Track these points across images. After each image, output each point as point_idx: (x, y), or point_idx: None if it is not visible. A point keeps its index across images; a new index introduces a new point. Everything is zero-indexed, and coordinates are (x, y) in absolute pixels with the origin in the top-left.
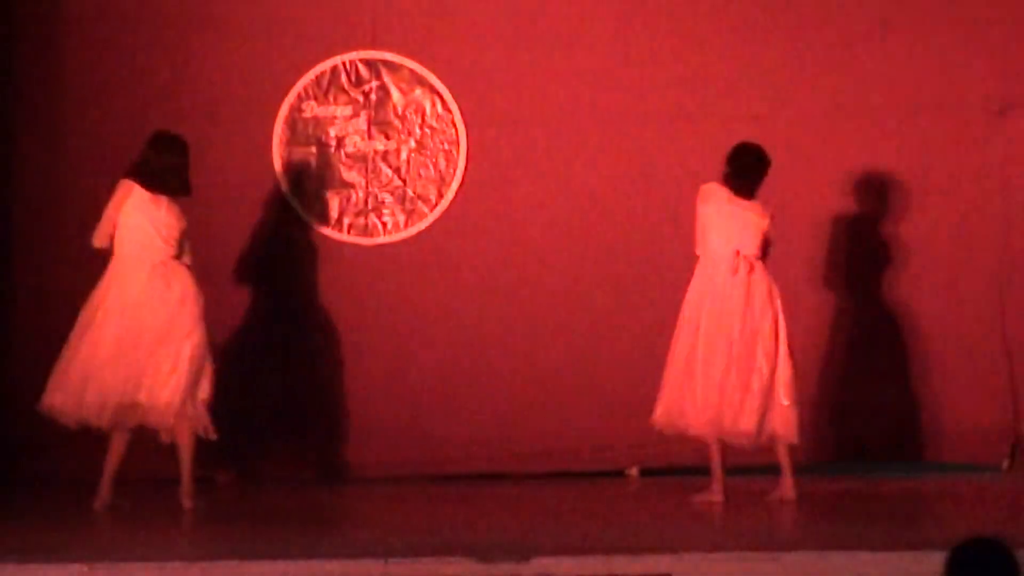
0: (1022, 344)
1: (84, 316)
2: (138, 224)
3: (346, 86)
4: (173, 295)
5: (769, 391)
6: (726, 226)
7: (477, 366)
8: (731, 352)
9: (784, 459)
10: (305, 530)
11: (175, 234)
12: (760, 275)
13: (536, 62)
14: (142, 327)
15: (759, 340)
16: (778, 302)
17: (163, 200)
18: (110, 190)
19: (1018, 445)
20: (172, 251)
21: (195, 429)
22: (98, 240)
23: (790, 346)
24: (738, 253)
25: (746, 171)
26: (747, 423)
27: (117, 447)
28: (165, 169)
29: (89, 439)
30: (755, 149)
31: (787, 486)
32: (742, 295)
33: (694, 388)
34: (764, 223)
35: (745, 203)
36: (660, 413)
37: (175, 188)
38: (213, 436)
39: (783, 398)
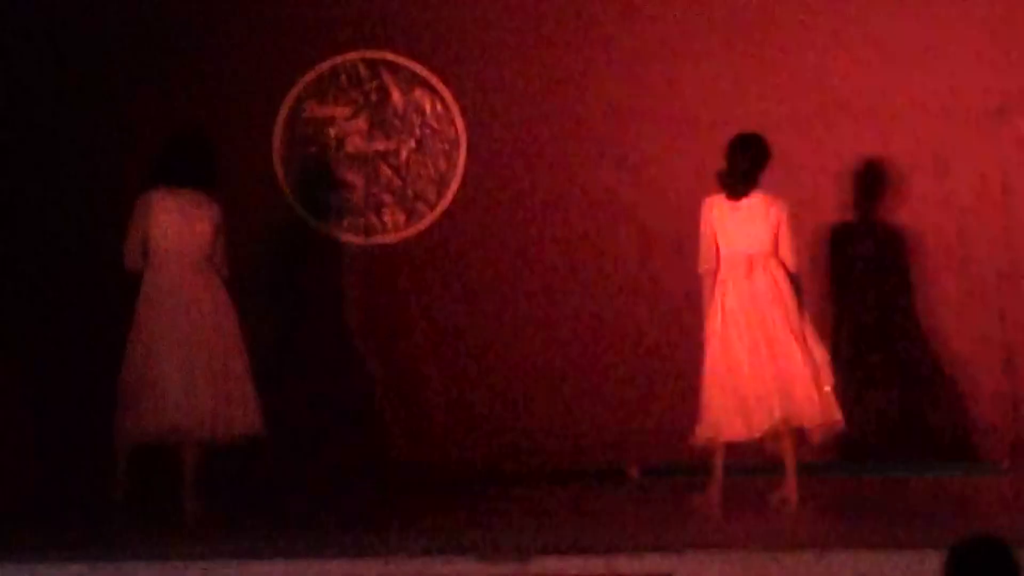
0: (1022, 344)
1: (138, 333)
2: (167, 229)
3: (346, 86)
4: (208, 302)
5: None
6: (733, 231)
7: (476, 366)
8: (771, 346)
9: (791, 460)
10: (305, 530)
11: (207, 229)
12: (775, 272)
13: (536, 62)
14: (191, 337)
15: (786, 333)
16: (791, 298)
17: (185, 195)
18: (106, 193)
19: (1018, 445)
20: (204, 251)
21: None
22: (130, 262)
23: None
24: (750, 258)
25: (743, 164)
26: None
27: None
28: (192, 162)
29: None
30: (752, 140)
31: (791, 487)
32: (763, 292)
33: (746, 390)
34: (772, 215)
35: (748, 199)
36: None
37: (199, 179)
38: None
39: (824, 384)
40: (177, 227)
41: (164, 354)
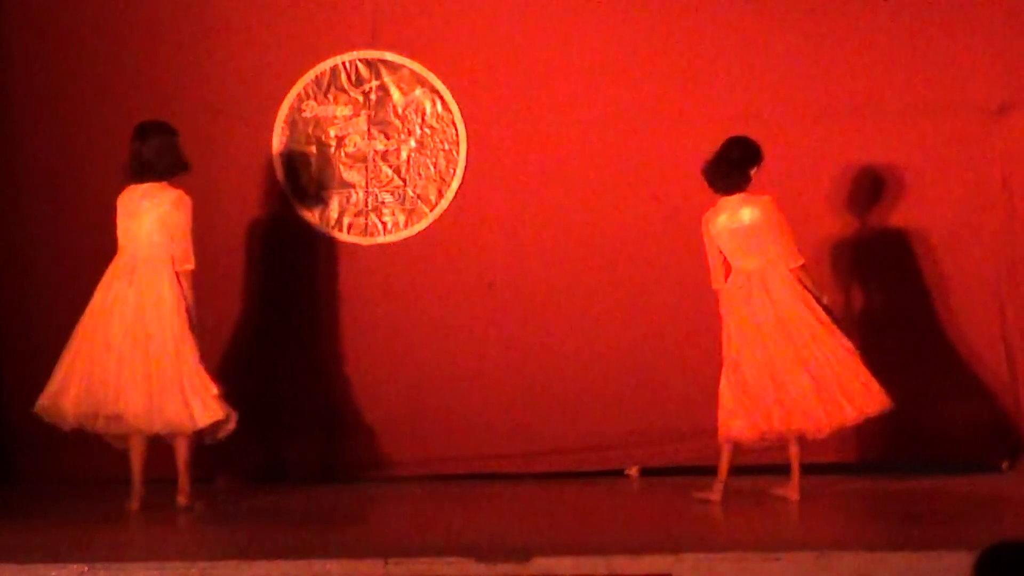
0: (1022, 344)
1: (86, 318)
2: (130, 225)
3: (346, 86)
4: (162, 299)
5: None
6: (738, 244)
7: (477, 366)
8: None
9: (794, 459)
10: (305, 530)
11: (169, 224)
12: (781, 281)
13: (536, 62)
14: (140, 331)
15: (804, 337)
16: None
17: (155, 190)
18: (109, 192)
19: (1018, 445)
20: (167, 248)
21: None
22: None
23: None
24: (759, 272)
25: (726, 166)
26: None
27: (138, 450)
28: (154, 153)
29: (89, 440)
30: (738, 143)
31: (793, 486)
32: (778, 302)
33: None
34: (757, 215)
35: (737, 203)
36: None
37: (167, 169)
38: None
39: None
40: (136, 228)
41: (105, 348)
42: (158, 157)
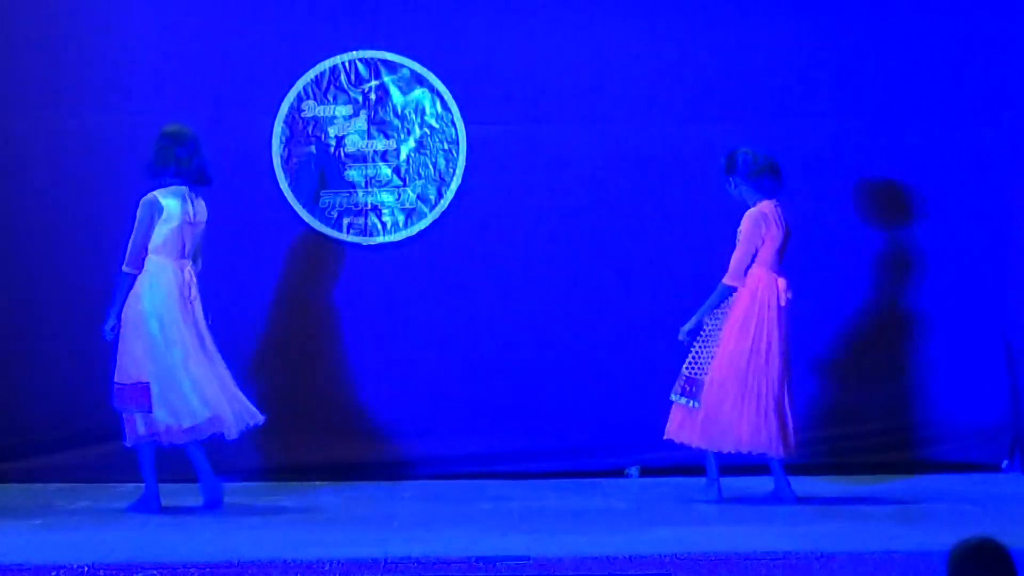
0: (1022, 344)
1: (171, 330)
2: (171, 231)
3: (345, 86)
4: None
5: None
6: (776, 250)
7: (477, 366)
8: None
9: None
10: (305, 530)
11: (200, 229)
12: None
13: (536, 61)
14: (195, 334)
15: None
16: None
17: (185, 193)
18: (107, 190)
19: (1018, 445)
20: (193, 248)
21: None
22: (132, 266)
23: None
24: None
25: (774, 171)
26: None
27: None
28: (192, 161)
29: (89, 440)
30: (763, 152)
31: (782, 486)
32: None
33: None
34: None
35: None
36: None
37: (203, 178)
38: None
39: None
40: (175, 233)
41: (189, 352)
42: (206, 167)
